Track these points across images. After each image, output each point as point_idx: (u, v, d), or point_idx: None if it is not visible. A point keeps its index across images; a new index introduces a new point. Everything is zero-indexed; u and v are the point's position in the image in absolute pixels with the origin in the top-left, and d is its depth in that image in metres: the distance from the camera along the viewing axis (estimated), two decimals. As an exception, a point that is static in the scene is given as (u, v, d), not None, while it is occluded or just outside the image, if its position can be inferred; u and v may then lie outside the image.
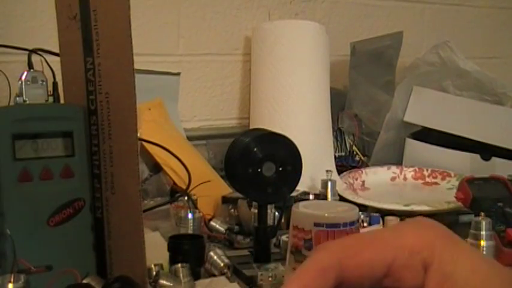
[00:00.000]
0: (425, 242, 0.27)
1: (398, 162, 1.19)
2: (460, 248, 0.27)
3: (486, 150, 1.12)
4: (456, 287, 0.26)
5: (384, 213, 0.89)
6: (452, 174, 1.10)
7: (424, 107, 1.20)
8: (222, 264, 0.69)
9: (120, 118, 0.61)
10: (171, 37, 1.18)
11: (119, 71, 0.60)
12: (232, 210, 0.88)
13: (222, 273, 0.69)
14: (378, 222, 0.86)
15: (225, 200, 0.90)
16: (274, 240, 0.79)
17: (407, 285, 0.27)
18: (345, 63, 1.30)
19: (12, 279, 0.53)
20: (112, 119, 0.62)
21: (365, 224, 0.85)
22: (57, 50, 0.66)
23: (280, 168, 0.73)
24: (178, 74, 1.15)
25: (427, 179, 1.13)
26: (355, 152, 1.30)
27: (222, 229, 0.84)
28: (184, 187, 0.90)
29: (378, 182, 1.10)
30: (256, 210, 0.77)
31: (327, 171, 0.94)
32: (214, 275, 0.69)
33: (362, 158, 1.28)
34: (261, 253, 0.75)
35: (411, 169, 1.15)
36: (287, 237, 0.71)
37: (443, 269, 0.26)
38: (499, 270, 0.27)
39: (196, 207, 0.84)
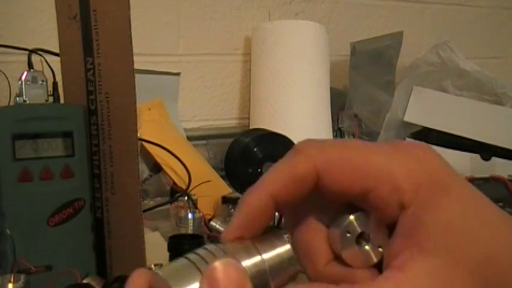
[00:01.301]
0: (411, 181, 0.25)
1: (398, 162, 1.18)
2: (445, 197, 0.25)
3: (486, 150, 1.12)
4: (424, 239, 0.25)
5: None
6: (452, 174, 1.09)
7: (424, 107, 1.20)
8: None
9: (120, 118, 0.61)
10: (171, 37, 1.18)
11: (119, 71, 0.60)
12: (232, 210, 0.88)
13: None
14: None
15: (225, 200, 0.90)
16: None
17: (381, 216, 0.26)
18: (345, 63, 1.30)
19: (12, 279, 0.53)
20: (112, 119, 0.62)
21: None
22: (57, 50, 0.66)
23: (280, 168, 0.73)
24: (178, 74, 1.15)
25: (427, 179, 1.13)
26: (355, 152, 1.29)
27: (222, 229, 0.84)
28: (184, 187, 0.89)
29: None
30: (256, 210, 0.77)
31: (327, 171, 0.94)
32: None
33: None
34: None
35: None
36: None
37: (418, 216, 0.25)
38: (476, 227, 0.25)
39: (196, 207, 0.84)
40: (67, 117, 0.62)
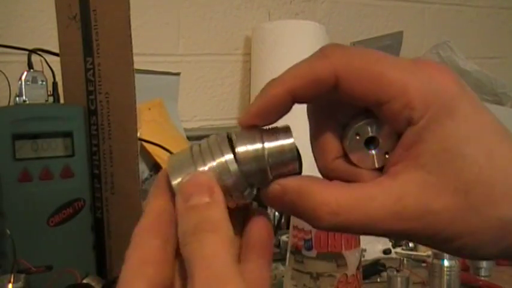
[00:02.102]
0: (422, 101, 0.26)
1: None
2: (450, 120, 0.26)
3: (486, 150, 1.12)
4: (421, 155, 0.26)
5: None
6: (452, 174, 1.10)
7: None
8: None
9: (120, 118, 0.61)
10: (171, 37, 1.18)
11: (119, 71, 0.60)
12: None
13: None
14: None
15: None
16: (274, 240, 0.79)
17: (391, 126, 0.28)
18: (345, 63, 1.30)
19: (12, 279, 0.53)
20: (112, 119, 0.62)
21: (365, 224, 0.84)
22: (57, 50, 0.66)
23: (280, 168, 0.73)
24: (178, 74, 1.15)
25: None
26: (355, 152, 1.30)
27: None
28: (184, 187, 0.89)
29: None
30: (256, 210, 0.77)
31: (327, 171, 0.94)
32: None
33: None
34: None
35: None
36: (287, 237, 0.71)
37: (421, 134, 0.26)
38: (474, 147, 0.26)
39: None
40: (67, 117, 0.62)
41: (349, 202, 0.26)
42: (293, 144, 0.28)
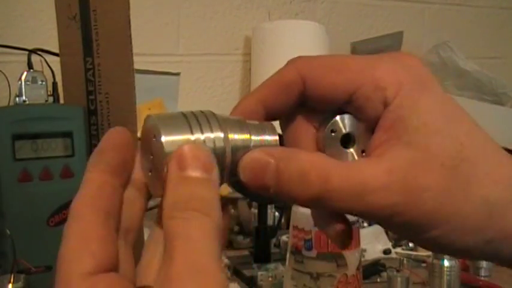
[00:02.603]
0: (393, 80, 0.26)
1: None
2: (425, 96, 0.26)
3: (486, 150, 1.12)
4: (403, 133, 0.26)
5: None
6: (452, 174, 1.10)
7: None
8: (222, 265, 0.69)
9: (120, 118, 0.61)
10: (171, 37, 1.18)
11: (119, 71, 0.60)
12: (232, 210, 0.88)
13: (222, 273, 0.68)
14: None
15: (225, 200, 0.90)
16: (274, 240, 0.79)
17: (365, 116, 0.27)
18: (345, 63, 1.29)
19: (12, 279, 0.53)
20: (112, 119, 0.62)
21: (365, 224, 0.85)
22: (57, 50, 0.65)
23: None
24: (178, 74, 1.15)
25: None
26: (355, 152, 1.30)
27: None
28: (184, 187, 0.89)
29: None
30: (256, 210, 0.77)
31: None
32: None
33: (362, 158, 1.28)
34: (261, 253, 0.75)
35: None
36: (287, 237, 0.71)
37: (399, 112, 0.26)
38: (453, 126, 0.26)
39: (196, 207, 0.84)
40: (67, 117, 0.62)
41: (339, 171, 0.25)
42: (277, 141, 0.28)
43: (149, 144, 0.25)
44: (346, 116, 0.28)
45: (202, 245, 0.22)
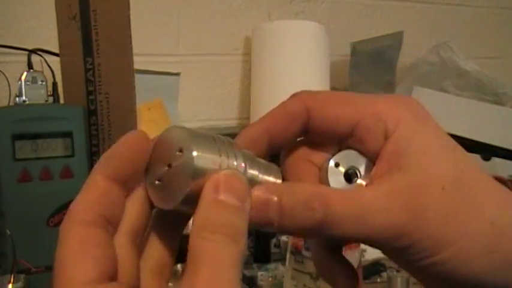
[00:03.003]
0: (393, 114, 0.27)
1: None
2: (423, 129, 0.27)
3: (486, 150, 1.12)
4: (403, 161, 0.27)
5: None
6: (452, 174, 1.10)
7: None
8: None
9: (120, 118, 0.61)
10: (171, 37, 1.18)
11: (119, 71, 0.60)
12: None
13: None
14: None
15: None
16: (274, 240, 0.79)
17: (367, 148, 0.28)
18: (345, 63, 1.30)
19: (12, 279, 0.53)
20: (112, 119, 0.62)
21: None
22: (57, 50, 0.66)
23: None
24: (178, 74, 1.15)
25: (427, 179, 1.13)
26: (355, 152, 1.30)
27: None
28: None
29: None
30: (256, 210, 0.77)
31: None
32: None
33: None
34: (261, 253, 0.75)
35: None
36: (287, 237, 0.71)
37: (399, 143, 0.27)
38: (451, 154, 0.27)
39: (196, 207, 0.84)
40: (67, 117, 0.62)
41: (341, 197, 0.26)
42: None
43: (168, 155, 0.25)
44: (349, 151, 0.29)
45: (228, 271, 0.22)
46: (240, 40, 1.25)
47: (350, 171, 0.28)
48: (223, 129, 1.23)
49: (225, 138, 0.27)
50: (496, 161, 1.11)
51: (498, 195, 0.28)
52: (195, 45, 1.20)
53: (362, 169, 0.28)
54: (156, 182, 0.25)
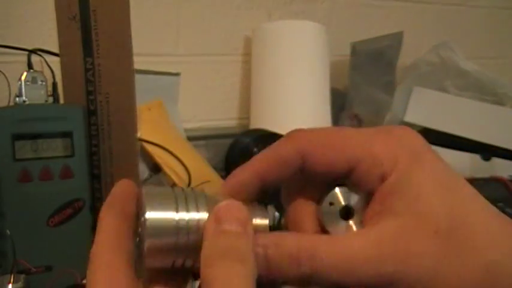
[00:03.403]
0: (390, 155, 0.27)
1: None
2: (420, 169, 0.27)
3: (486, 150, 1.12)
4: (395, 204, 0.26)
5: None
6: (453, 174, 1.09)
7: (424, 107, 1.20)
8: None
9: (120, 118, 0.61)
10: (171, 37, 1.18)
11: (119, 71, 0.61)
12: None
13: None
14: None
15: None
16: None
17: (363, 189, 0.28)
18: (345, 63, 1.30)
19: (12, 279, 0.53)
20: (112, 119, 0.62)
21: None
22: (57, 50, 0.65)
23: (280, 169, 0.73)
24: (178, 74, 1.15)
25: (427, 179, 1.13)
26: (355, 152, 1.30)
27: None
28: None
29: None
30: (256, 211, 0.77)
31: (327, 171, 0.94)
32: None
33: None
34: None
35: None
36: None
37: (393, 186, 0.27)
38: (447, 195, 0.26)
39: (196, 207, 0.84)
40: (67, 117, 0.62)
41: (327, 247, 0.26)
42: (267, 226, 0.29)
43: (139, 214, 0.26)
44: (344, 189, 0.28)
45: None
46: (240, 40, 1.25)
47: (345, 208, 0.28)
48: (223, 129, 1.23)
49: (195, 191, 0.27)
50: (496, 161, 1.11)
51: (501, 238, 0.26)
52: (195, 45, 1.20)
53: (357, 206, 0.28)
54: (137, 238, 0.27)
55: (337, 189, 0.28)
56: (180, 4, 1.18)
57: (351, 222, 0.28)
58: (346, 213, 0.28)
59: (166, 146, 0.95)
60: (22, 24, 1.02)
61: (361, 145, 0.27)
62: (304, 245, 0.26)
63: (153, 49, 1.15)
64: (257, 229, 0.28)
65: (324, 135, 0.28)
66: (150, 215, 0.25)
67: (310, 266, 0.25)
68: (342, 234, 0.28)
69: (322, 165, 0.28)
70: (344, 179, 0.28)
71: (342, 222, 0.28)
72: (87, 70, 0.62)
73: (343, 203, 0.28)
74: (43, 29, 1.01)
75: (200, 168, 1.01)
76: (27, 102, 0.64)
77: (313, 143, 0.28)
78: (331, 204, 0.28)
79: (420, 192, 0.26)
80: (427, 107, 1.20)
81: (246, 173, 0.29)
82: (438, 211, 0.26)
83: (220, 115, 1.25)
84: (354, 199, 0.28)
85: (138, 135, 0.73)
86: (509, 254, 0.26)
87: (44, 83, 0.66)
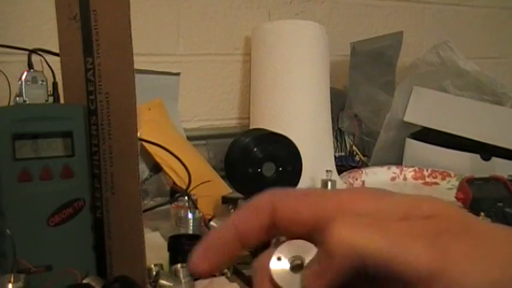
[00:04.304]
0: (355, 200, 0.27)
1: (399, 162, 1.19)
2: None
3: (486, 150, 1.12)
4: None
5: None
6: (452, 174, 1.10)
7: (424, 107, 1.20)
8: (222, 264, 0.69)
9: (120, 118, 0.61)
10: (171, 37, 1.18)
11: (118, 71, 0.60)
12: (232, 210, 0.88)
13: (222, 274, 0.69)
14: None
15: (225, 200, 0.90)
16: (274, 240, 0.79)
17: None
18: (345, 63, 1.30)
19: (12, 279, 0.53)
20: (112, 119, 0.62)
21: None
22: (57, 50, 0.66)
23: (280, 168, 0.73)
24: (178, 74, 1.15)
25: (427, 179, 1.13)
26: (355, 152, 1.30)
27: (222, 229, 0.84)
28: (184, 187, 0.90)
29: (377, 182, 1.10)
30: (256, 210, 0.77)
31: (327, 171, 0.94)
32: (214, 275, 0.69)
33: (362, 158, 1.28)
34: (260, 253, 0.75)
35: (411, 169, 1.15)
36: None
37: None
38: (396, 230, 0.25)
39: (196, 207, 0.84)
40: (67, 117, 0.62)
41: None
42: None
43: None
44: (295, 240, 0.27)
45: None
46: (240, 40, 1.25)
47: (294, 262, 0.27)
48: (223, 129, 1.23)
49: None
50: (496, 161, 1.11)
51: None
52: (195, 45, 1.20)
53: (309, 256, 0.27)
54: None
55: (287, 242, 0.27)
56: (180, 4, 1.18)
57: (300, 274, 0.26)
58: (295, 267, 0.27)
59: (166, 146, 0.95)
60: (22, 24, 1.02)
61: (330, 202, 0.27)
62: None
63: (153, 49, 1.15)
64: None
65: (298, 193, 0.28)
66: None
67: None
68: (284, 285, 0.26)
69: (290, 216, 0.28)
70: (313, 235, 0.27)
71: (291, 276, 0.26)
72: (87, 70, 0.62)
73: (291, 255, 0.27)
74: (43, 29, 1.01)
75: (200, 168, 1.01)
76: (27, 102, 0.64)
77: (286, 197, 0.28)
78: (278, 259, 0.27)
79: None
80: (427, 107, 1.20)
81: (227, 224, 0.29)
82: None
83: (220, 115, 1.25)
84: (307, 249, 0.27)
85: (138, 135, 0.73)
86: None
87: (44, 83, 0.66)
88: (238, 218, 0.29)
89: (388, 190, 0.28)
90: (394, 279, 0.23)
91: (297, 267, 0.27)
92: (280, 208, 0.28)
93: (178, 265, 0.63)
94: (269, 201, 0.28)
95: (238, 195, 0.84)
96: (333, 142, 1.21)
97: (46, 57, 0.74)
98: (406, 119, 1.21)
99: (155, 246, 0.71)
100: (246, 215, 0.29)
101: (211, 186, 0.94)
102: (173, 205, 0.85)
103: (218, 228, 0.29)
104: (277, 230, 0.28)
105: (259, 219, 0.28)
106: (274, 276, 0.27)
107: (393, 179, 1.13)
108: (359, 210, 0.26)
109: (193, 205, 0.84)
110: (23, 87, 0.64)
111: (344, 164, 1.23)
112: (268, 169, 0.73)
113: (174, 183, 0.96)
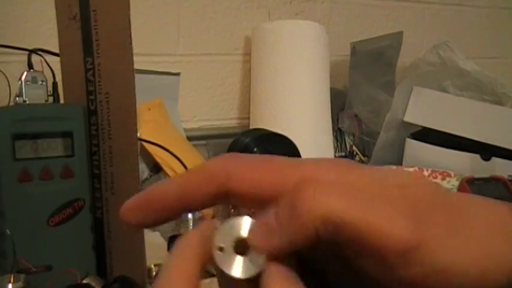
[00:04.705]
0: (318, 173, 0.24)
1: (398, 162, 1.19)
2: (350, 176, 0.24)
3: (486, 150, 1.12)
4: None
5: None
6: (452, 174, 1.10)
7: (424, 107, 1.20)
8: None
9: (120, 118, 0.61)
10: (171, 37, 1.18)
11: (118, 71, 0.60)
12: (232, 210, 0.88)
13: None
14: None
15: (225, 200, 0.90)
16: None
17: None
18: (345, 63, 1.30)
19: (12, 279, 0.53)
20: (112, 119, 0.62)
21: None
22: (57, 50, 0.65)
23: (280, 168, 0.72)
24: (178, 74, 1.15)
25: (427, 179, 1.13)
26: (355, 152, 1.30)
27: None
28: (184, 187, 0.89)
29: (377, 182, 1.10)
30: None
31: (327, 171, 0.94)
32: (214, 275, 0.69)
33: (362, 158, 1.28)
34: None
35: (411, 169, 1.15)
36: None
37: None
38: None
39: (196, 207, 0.84)
40: (67, 117, 0.62)
41: None
42: None
43: None
44: (231, 220, 0.24)
45: None
46: (240, 40, 1.25)
47: (238, 246, 0.23)
48: (223, 129, 1.23)
49: None
50: (496, 160, 1.11)
51: None
52: (195, 45, 1.20)
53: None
54: None
55: (223, 225, 0.24)
56: (180, 4, 1.18)
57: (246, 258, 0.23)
58: (242, 250, 0.23)
59: (166, 146, 0.95)
60: (22, 24, 1.02)
61: (290, 168, 0.24)
62: None
63: (153, 49, 1.15)
64: None
65: (253, 159, 0.25)
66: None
67: None
68: (237, 273, 0.23)
69: (245, 182, 0.25)
70: (270, 204, 0.24)
71: (237, 258, 0.23)
72: (87, 70, 0.62)
73: (233, 238, 0.23)
74: (43, 29, 1.01)
75: (200, 168, 1.00)
76: (27, 102, 0.64)
77: (242, 163, 0.25)
78: (220, 249, 0.23)
79: None
80: (427, 107, 1.20)
81: (166, 185, 0.26)
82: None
83: (220, 115, 1.25)
84: (247, 224, 0.23)
85: (138, 135, 0.73)
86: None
87: (44, 83, 0.66)
88: (186, 179, 0.25)
89: (355, 162, 0.26)
90: (361, 253, 0.22)
91: (241, 250, 0.23)
92: (235, 178, 0.25)
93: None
94: (223, 169, 0.25)
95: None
96: (333, 142, 1.21)
97: (46, 57, 0.74)
98: (406, 119, 1.21)
99: (155, 246, 0.71)
100: (195, 178, 0.25)
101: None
102: (173, 205, 0.85)
103: (161, 184, 0.26)
104: (228, 199, 0.25)
105: (209, 185, 0.25)
106: (223, 267, 0.24)
107: (393, 179, 1.13)
108: (327, 180, 0.23)
109: (193, 205, 0.84)
110: (23, 87, 0.64)
111: (344, 164, 1.22)
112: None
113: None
